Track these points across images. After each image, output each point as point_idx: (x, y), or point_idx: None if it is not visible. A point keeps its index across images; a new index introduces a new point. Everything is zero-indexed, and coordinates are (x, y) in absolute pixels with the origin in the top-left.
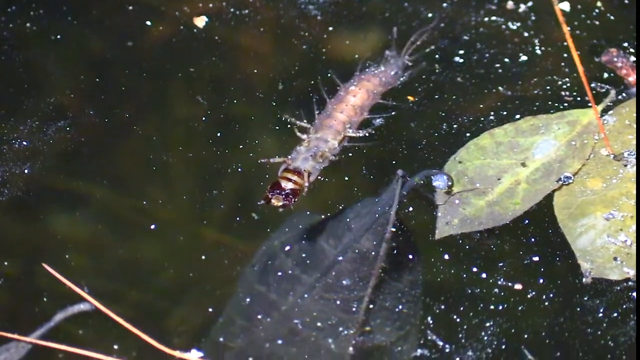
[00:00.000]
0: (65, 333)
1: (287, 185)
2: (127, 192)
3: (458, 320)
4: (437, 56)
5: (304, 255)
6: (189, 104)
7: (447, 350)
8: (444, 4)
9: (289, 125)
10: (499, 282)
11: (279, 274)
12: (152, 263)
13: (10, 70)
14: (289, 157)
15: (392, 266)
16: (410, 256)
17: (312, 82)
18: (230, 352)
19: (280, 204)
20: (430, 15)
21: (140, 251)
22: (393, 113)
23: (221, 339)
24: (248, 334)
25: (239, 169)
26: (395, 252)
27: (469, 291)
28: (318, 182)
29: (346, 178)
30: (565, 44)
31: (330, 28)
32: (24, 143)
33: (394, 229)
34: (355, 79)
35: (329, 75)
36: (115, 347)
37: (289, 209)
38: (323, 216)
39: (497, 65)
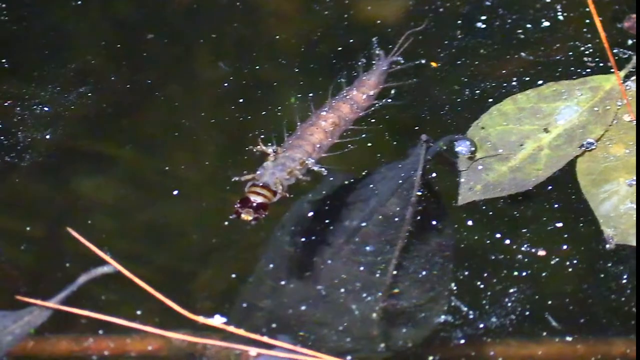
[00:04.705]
0: (88, 297)
1: (257, 199)
2: (151, 157)
3: (482, 286)
4: (459, 22)
5: (330, 219)
6: (212, 69)
7: (471, 316)
8: None
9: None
10: (523, 248)
11: (307, 237)
12: (176, 227)
13: (31, 36)
14: (257, 173)
15: (419, 229)
16: (438, 219)
17: (335, 47)
18: (259, 312)
19: (251, 217)
20: None
21: (164, 215)
22: (415, 80)
23: (250, 300)
24: (277, 296)
25: (262, 135)
26: (422, 215)
27: (493, 257)
28: (344, 147)
29: (369, 144)
30: (587, 9)
31: None
32: (45, 108)
33: (419, 193)
34: (327, 105)
35: (351, 41)
36: (138, 312)
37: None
38: (347, 182)
39: (519, 31)
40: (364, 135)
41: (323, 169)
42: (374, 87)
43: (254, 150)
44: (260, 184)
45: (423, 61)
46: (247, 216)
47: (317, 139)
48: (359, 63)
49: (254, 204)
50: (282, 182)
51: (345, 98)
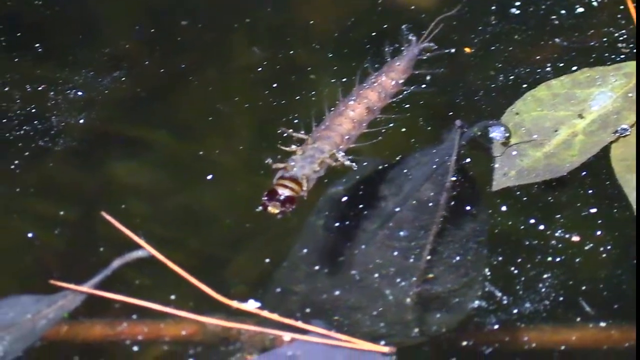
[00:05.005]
0: (122, 282)
1: (284, 192)
2: (185, 141)
3: (516, 272)
4: (493, 8)
5: (364, 204)
6: (246, 54)
7: (505, 302)
8: None
9: (285, 134)
10: (557, 234)
11: (341, 222)
12: (210, 212)
13: (65, 20)
14: (287, 164)
15: (453, 215)
16: (473, 204)
17: (369, 33)
18: (293, 297)
19: (278, 211)
20: None
21: (198, 200)
22: (442, 70)
23: (284, 285)
24: (311, 281)
25: (295, 120)
26: (456, 200)
27: (527, 243)
28: (378, 132)
29: (404, 129)
30: None
31: None
32: (79, 93)
33: (453, 178)
34: (354, 92)
35: (384, 26)
36: (172, 297)
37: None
38: (381, 167)
39: (554, 17)
40: (391, 125)
41: (353, 164)
42: (403, 73)
43: (286, 134)
44: (289, 177)
45: (453, 50)
46: (273, 209)
47: (346, 129)
48: (388, 49)
49: (281, 197)
50: (311, 175)
51: (373, 85)
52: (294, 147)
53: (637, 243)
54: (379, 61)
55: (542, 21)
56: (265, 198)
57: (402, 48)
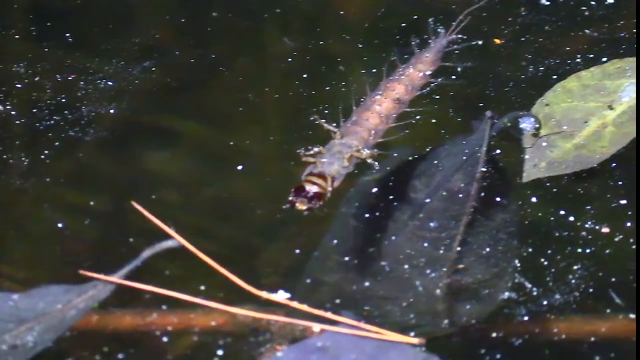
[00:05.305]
0: (152, 272)
1: (312, 189)
2: (216, 131)
3: (545, 263)
4: None
5: (394, 195)
6: (277, 44)
7: (535, 293)
8: None
9: (317, 122)
10: (587, 225)
11: (371, 213)
12: (241, 202)
13: (95, 10)
14: (316, 160)
15: (483, 205)
16: (503, 195)
17: (399, 24)
18: (323, 287)
19: (305, 207)
20: None
21: (228, 190)
22: (470, 64)
23: (314, 275)
24: (341, 271)
25: (325, 110)
26: (486, 191)
27: (557, 234)
28: (407, 126)
29: (434, 120)
30: None
31: None
32: (110, 83)
33: (484, 169)
34: (381, 86)
35: (415, 17)
36: (202, 287)
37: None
38: (411, 157)
39: (584, 8)
40: (419, 117)
41: (375, 163)
42: (431, 65)
43: (318, 122)
44: (317, 173)
45: (480, 42)
46: (301, 206)
47: (373, 124)
48: (416, 41)
49: (309, 194)
50: (340, 171)
51: (400, 78)
52: (316, 149)
53: (637, 242)
54: (408, 52)
55: (572, 12)
56: (293, 194)
57: (430, 40)
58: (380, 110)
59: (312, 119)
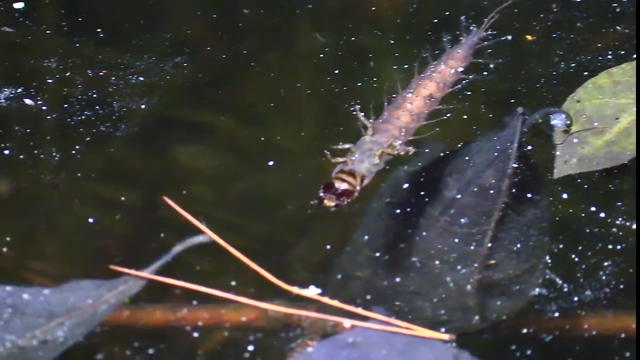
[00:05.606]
0: (183, 267)
1: (341, 186)
2: (247, 126)
3: (576, 259)
4: None
5: (426, 190)
6: (308, 40)
7: (566, 289)
8: None
9: (354, 112)
10: (618, 222)
11: (403, 208)
12: (272, 197)
13: (127, 5)
14: (348, 157)
15: (515, 201)
16: (534, 191)
17: (430, 19)
18: (354, 283)
19: (333, 204)
20: None
21: (260, 185)
22: (500, 61)
23: (345, 271)
24: (372, 267)
25: (357, 106)
26: (518, 187)
27: (588, 230)
28: (438, 122)
29: (465, 116)
30: None
31: None
32: (141, 78)
33: (515, 165)
34: (413, 84)
35: (447, 13)
36: (233, 283)
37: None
38: (443, 153)
39: (615, 4)
40: (449, 115)
41: (410, 148)
42: (462, 61)
43: (355, 112)
44: (347, 170)
45: (509, 37)
46: (329, 202)
47: (404, 122)
48: (447, 37)
49: (338, 191)
50: (371, 169)
51: (432, 75)
52: (346, 145)
53: (637, 243)
54: (439, 48)
55: (603, 8)
56: (322, 191)
57: (461, 37)
58: (411, 109)
59: (351, 109)
